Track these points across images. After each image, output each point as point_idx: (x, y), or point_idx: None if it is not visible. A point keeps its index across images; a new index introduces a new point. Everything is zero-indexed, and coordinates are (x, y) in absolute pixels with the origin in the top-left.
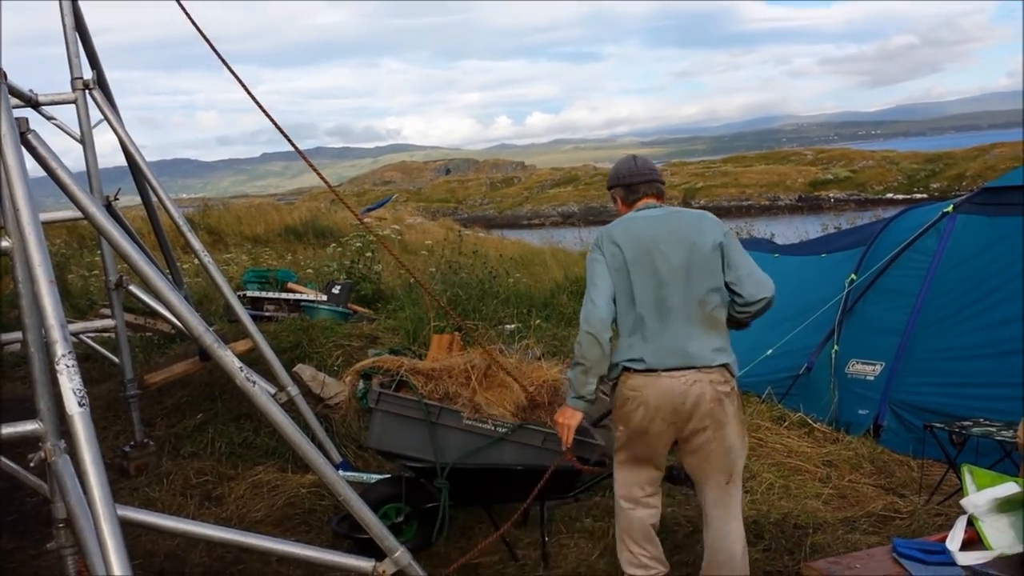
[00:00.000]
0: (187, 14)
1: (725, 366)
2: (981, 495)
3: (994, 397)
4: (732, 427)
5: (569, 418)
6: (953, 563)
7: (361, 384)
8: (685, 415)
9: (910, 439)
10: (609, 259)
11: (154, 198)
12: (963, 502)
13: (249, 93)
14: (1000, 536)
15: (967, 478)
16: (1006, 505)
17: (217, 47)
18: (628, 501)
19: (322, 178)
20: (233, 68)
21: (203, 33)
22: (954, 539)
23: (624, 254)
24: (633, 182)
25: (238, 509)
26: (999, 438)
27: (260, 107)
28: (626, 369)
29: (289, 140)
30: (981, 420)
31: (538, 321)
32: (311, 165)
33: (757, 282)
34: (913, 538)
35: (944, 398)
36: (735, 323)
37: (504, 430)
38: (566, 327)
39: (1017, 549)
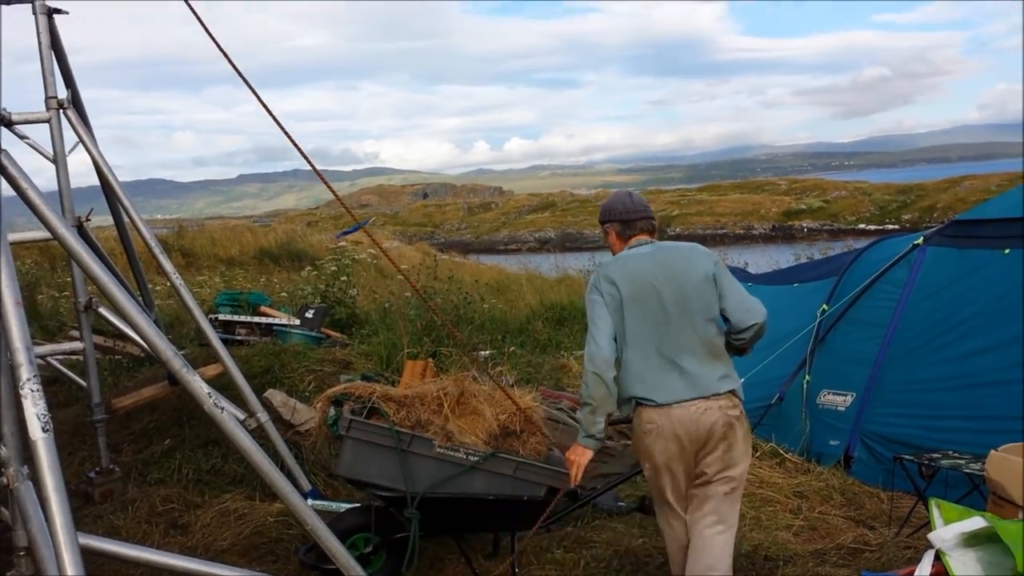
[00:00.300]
0: (209, 34)
1: (732, 392)
2: (948, 529)
3: (964, 429)
4: (740, 446)
5: (580, 456)
6: None
7: (332, 411)
8: (700, 441)
9: (880, 470)
10: (607, 299)
11: (126, 219)
12: (931, 536)
13: (270, 113)
14: (967, 570)
15: (935, 512)
16: (973, 540)
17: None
18: (676, 530)
19: (335, 195)
20: (238, 89)
21: (222, 49)
22: (922, 573)
23: (621, 293)
24: (631, 218)
25: (204, 538)
26: (968, 471)
27: (280, 127)
28: (639, 404)
29: (305, 157)
30: (951, 452)
31: (512, 348)
32: (326, 183)
33: (748, 309)
34: (882, 571)
35: (914, 429)
36: (734, 350)
37: (476, 459)
38: (540, 354)
39: None
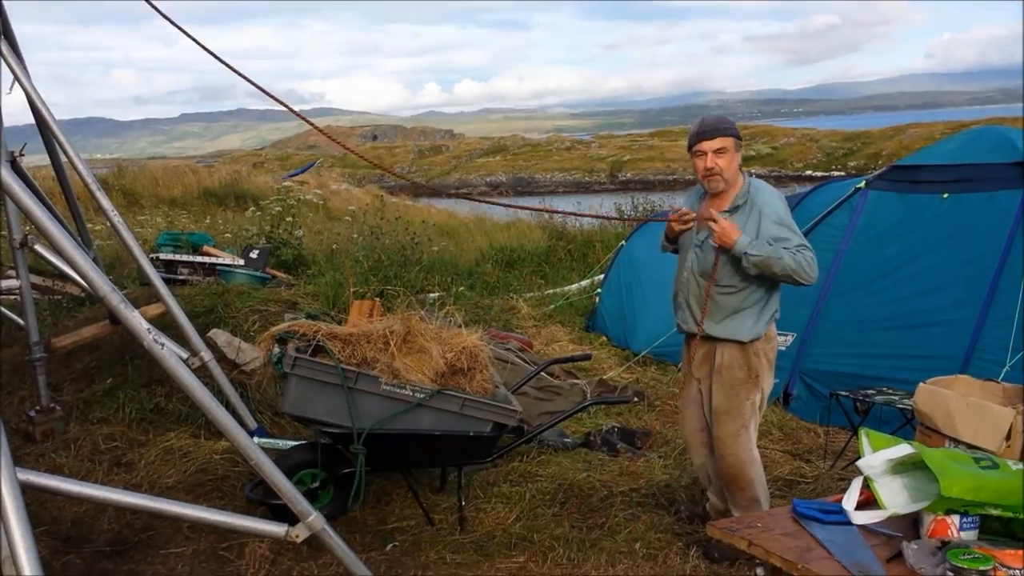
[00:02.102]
0: None
1: None
2: (876, 456)
3: (899, 367)
4: None
5: (731, 225)
6: (848, 522)
7: (276, 349)
8: None
9: (818, 407)
10: None
11: (63, 157)
12: (859, 464)
13: (207, 50)
14: (894, 497)
15: (864, 441)
16: (900, 467)
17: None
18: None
19: (298, 115)
20: (180, 27)
21: None
22: (850, 499)
23: None
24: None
25: (149, 475)
26: (900, 406)
27: (224, 62)
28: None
29: (275, 97)
30: (885, 389)
31: (462, 288)
32: (306, 120)
33: None
34: (814, 499)
35: (851, 368)
36: None
37: (422, 396)
38: (490, 296)
39: (910, 509)
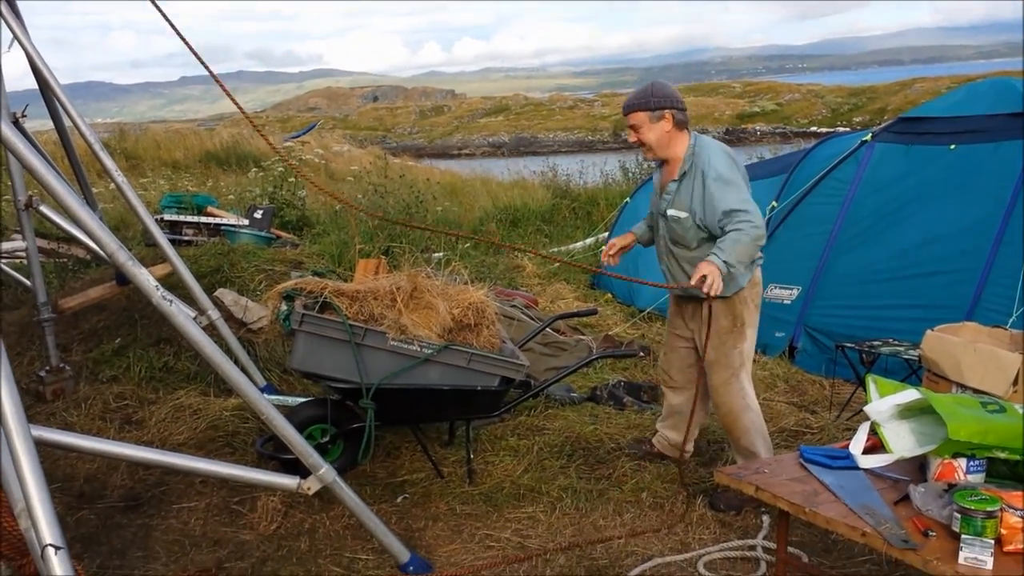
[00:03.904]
0: None
1: None
2: (883, 402)
3: (904, 319)
4: None
5: (715, 269)
6: (855, 467)
7: (284, 306)
8: None
9: (823, 359)
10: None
11: (66, 121)
12: (866, 409)
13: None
14: (900, 441)
15: (871, 387)
16: (907, 412)
17: None
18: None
19: (236, 104)
20: None
21: None
22: (857, 444)
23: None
24: (685, 108)
25: (159, 432)
26: (906, 357)
27: (177, 32)
28: (758, 266)
29: (203, 63)
30: (890, 340)
31: (467, 245)
32: (227, 92)
33: None
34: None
35: (857, 320)
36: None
37: (429, 351)
38: (494, 254)
39: (916, 452)
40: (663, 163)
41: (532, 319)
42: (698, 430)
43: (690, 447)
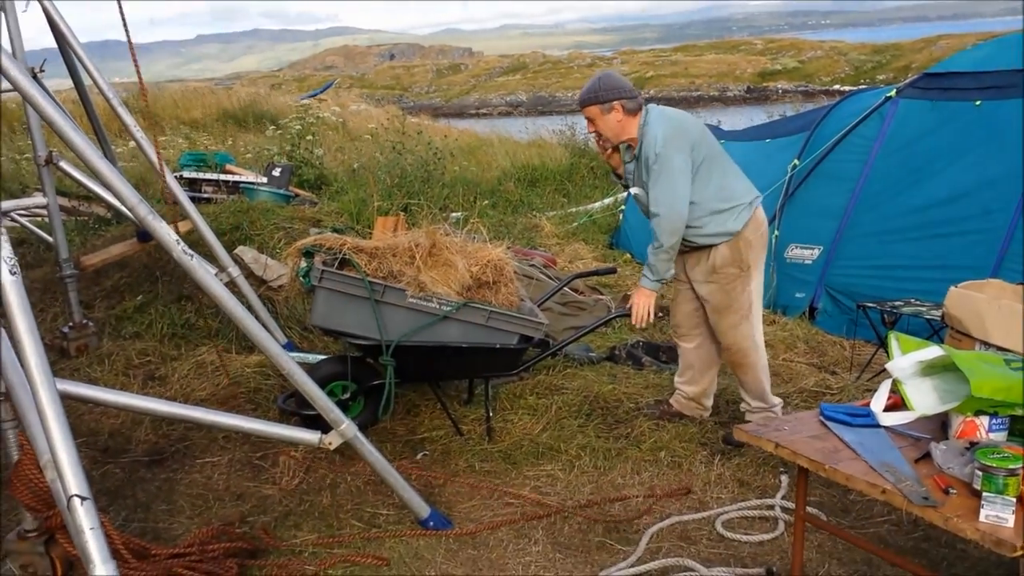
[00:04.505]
0: None
1: None
2: (906, 358)
3: (927, 279)
4: None
5: (649, 298)
6: (876, 425)
7: (304, 263)
8: None
9: (844, 320)
10: (694, 156)
11: (85, 79)
12: (888, 366)
13: None
14: (922, 398)
15: (893, 344)
16: (929, 369)
17: None
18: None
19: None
20: None
21: None
22: (878, 402)
23: (698, 140)
24: (636, 95)
25: (182, 388)
26: (928, 317)
27: None
28: (755, 206)
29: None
30: (912, 300)
31: (485, 202)
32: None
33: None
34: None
35: (878, 280)
36: None
37: (449, 308)
38: (512, 213)
39: (937, 410)
40: (628, 145)
41: (551, 278)
42: (715, 385)
43: (708, 402)
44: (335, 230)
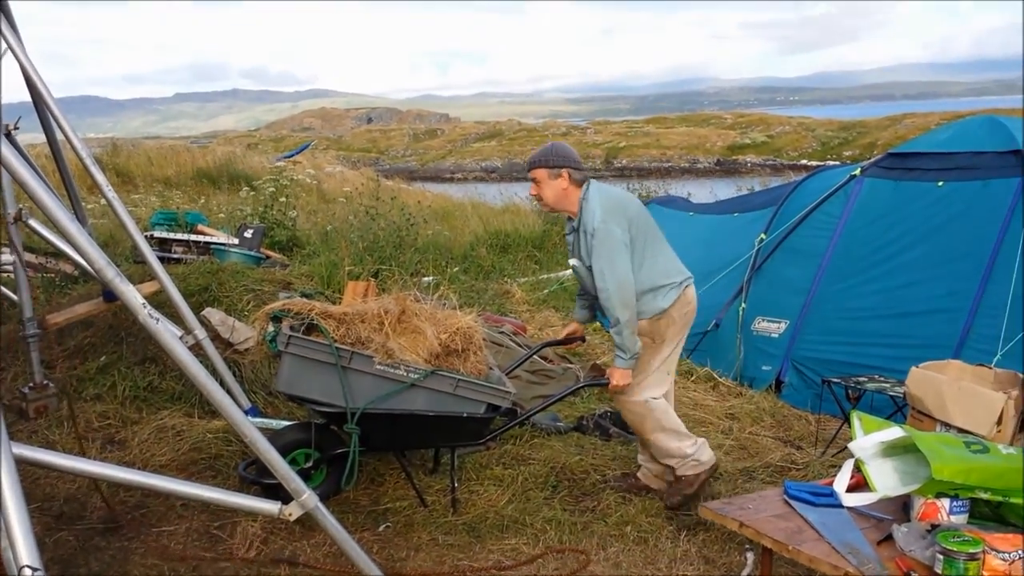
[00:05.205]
0: None
1: None
2: (868, 439)
3: (891, 357)
4: None
5: (626, 378)
6: (839, 505)
7: (271, 327)
8: None
9: (809, 395)
10: (631, 229)
11: (59, 134)
12: (851, 446)
13: None
14: (884, 479)
15: (856, 424)
16: (891, 449)
17: None
18: (662, 398)
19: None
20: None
21: None
22: (841, 482)
23: (634, 216)
24: (583, 167)
25: (142, 453)
26: (892, 394)
27: None
28: (686, 285)
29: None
30: (876, 377)
31: (456, 269)
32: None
33: None
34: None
35: (844, 356)
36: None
37: (416, 376)
38: (483, 279)
39: (899, 491)
40: (568, 217)
41: (520, 346)
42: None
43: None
44: (304, 295)
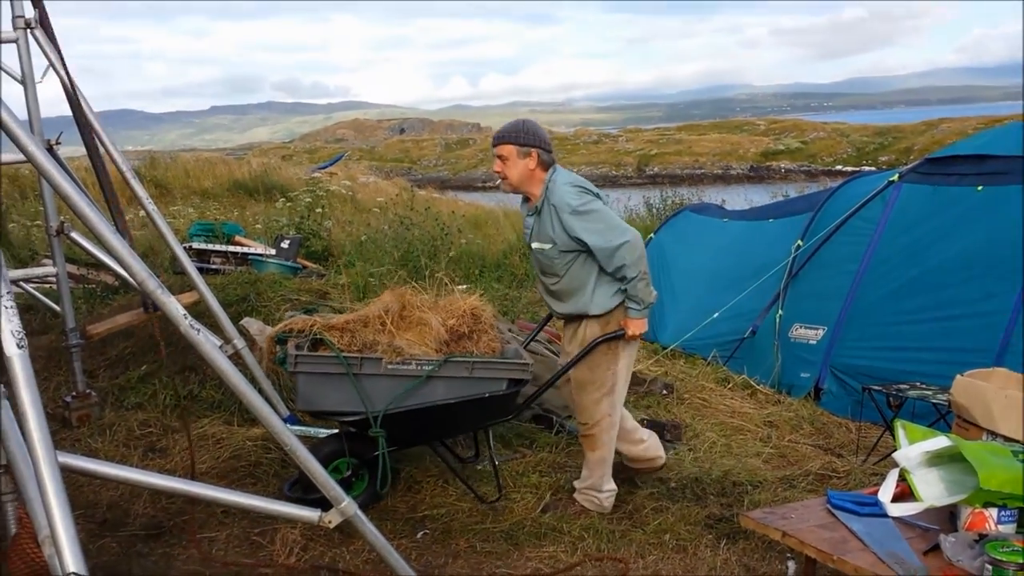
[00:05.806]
0: None
1: None
2: (913, 448)
3: (932, 362)
4: None
5: (643, 327)
6: (884, 514)
7: (279, 351)
8: None
9: (849, 402)
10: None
11: (99, 148)
12: (895, 455)
13: None
14: (930, 489)
15: (900, 433)
16: (936, 459)
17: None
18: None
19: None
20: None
21: None
22: (886, 491)
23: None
24: (551, 149)
25: (183, 461)
26: (935, 401)
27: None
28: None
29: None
30: (918, 384)
31: (490, 278)
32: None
33: None
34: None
35: (884, 362)
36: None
37: (430, 367)
38: (518, 288)
39: (945, 501)
40: (526, 199)
41: (555, 354)
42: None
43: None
44: (306, 311)
